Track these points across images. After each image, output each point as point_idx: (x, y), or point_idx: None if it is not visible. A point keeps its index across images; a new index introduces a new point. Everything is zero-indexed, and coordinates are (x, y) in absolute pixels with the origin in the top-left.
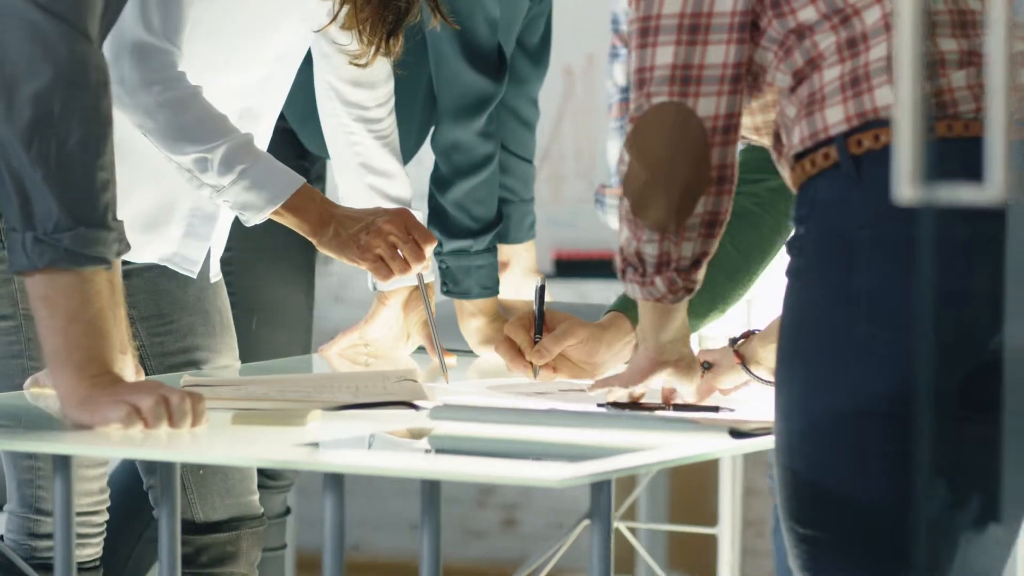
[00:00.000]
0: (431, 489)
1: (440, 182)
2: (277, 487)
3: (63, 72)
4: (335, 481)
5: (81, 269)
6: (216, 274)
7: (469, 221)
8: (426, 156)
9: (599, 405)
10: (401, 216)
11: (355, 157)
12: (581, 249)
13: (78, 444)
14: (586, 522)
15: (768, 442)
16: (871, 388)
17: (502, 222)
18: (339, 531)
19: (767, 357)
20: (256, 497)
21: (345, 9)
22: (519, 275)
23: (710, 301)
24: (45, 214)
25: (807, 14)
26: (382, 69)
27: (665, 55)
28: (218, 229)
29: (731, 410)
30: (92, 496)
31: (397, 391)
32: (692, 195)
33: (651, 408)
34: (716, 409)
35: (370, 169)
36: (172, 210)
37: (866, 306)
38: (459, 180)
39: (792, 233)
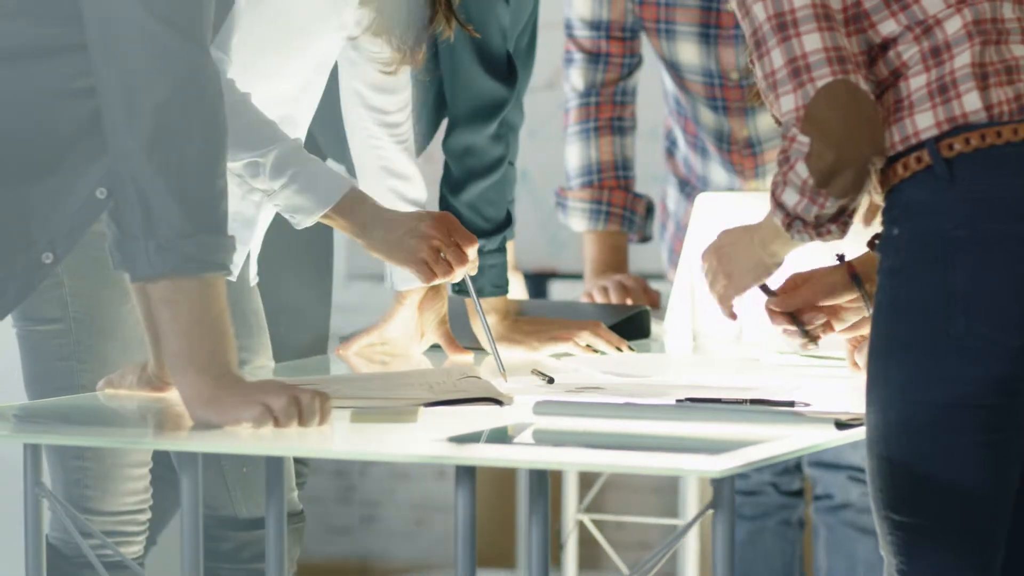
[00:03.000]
0: (539, 480)
1: (453, 184)
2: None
3: (183, 84)
4: (467, 474)
5: (203, 276)
6: (254, 277)
7: (481, 222)
8: (436, 155)
9: (678, 401)
10: (444, 221)
11: (377, 161)
12: None
13: (210, 442)
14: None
15: (863, 432)
16: (969, 380)
17: (512, 222)
18: (471, 524)
19: None
20: (296, 494)
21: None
22: None
23: None
24: (167, 222)
25: (889, 27)
26: (403, 75)
27: (813, 42)
28: (256, 233)
29: (806, 404)
30: (136, 495)
31: (468, 388)
32: (874, 161)
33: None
34: (792, 404)
35: (390, 172)
36: None
37: (964, 302)
38: (472, 182)
39: (883, 233)
